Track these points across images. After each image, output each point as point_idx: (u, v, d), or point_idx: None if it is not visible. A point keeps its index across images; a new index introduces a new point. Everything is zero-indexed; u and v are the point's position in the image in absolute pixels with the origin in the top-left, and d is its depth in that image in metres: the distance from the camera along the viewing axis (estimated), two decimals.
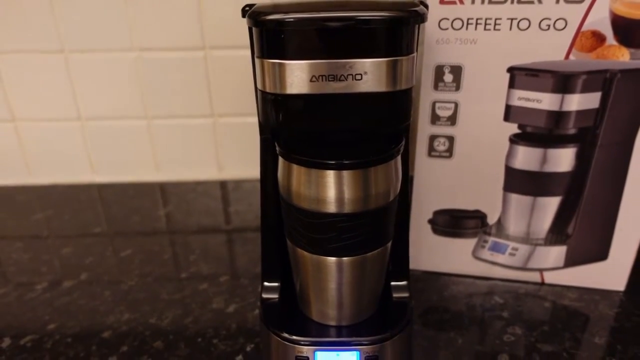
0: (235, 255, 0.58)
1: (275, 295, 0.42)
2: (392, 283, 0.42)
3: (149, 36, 0.65)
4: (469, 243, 0.51)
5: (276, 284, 0.42)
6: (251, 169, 0.73)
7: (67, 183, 0.75)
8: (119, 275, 0.54)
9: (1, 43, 0.66)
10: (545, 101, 0.43)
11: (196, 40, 0.66)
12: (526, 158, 0.46)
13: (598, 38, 0.41)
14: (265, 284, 0.42)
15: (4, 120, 0.70)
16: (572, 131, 0.44)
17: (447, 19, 0.42)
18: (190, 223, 0.64)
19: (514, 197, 0.48)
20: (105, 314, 0.48)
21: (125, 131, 0.72)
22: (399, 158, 0.35)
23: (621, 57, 0.41)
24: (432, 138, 0.47)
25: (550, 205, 0.47)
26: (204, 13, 0.64)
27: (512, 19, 0.41)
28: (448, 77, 0.44)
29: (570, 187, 0.46)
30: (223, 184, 0.74)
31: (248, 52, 0.34)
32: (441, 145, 0.47)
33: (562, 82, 0.42)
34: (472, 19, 0.42)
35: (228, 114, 0.70)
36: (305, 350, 0.37)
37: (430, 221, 0.51)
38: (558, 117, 0.43)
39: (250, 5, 0.32)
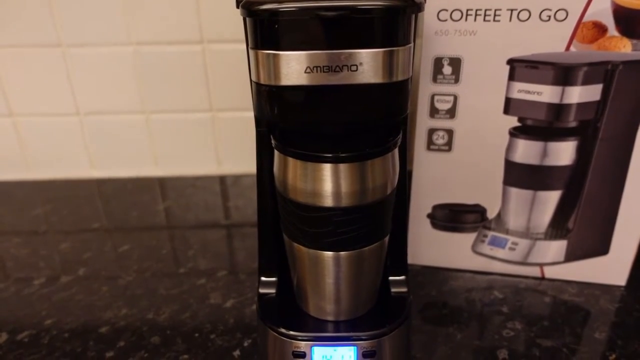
0: (233, 250, 0.58)
1: (273, 290, 0.41)
2: (391, 278, 0.42)
3: (146, 30, 0.65)
4: (469, 237, 0.50)
5: (273, 279, 0.42)
6: (250, 164, 0.73)
7: (65, 178, 0.75)
8: (117, 270, 0.54)
9: None
10: (546, 94, 0.42)
11: (194, 34, 0.65)
12: (526, 151, 0.45)
13: (599, 29, 0.40)
14: (263, 279, 0.42)
15: (2, 115, 0.70)
16: (572, 124, 0.44)
17: (446, 10, 0.41)
18: (189, 218, 0.64)
19: (514, 191, 0.47)
20: (102, 310, 0.48)
21: (124, 126, 0.71)
22: (396, 151, 0.35)
23: (623, 48, 0.40)
24: (431, 131, 0.47)
25: (551, 199, 0.47)
26: (201, 6, 0.63)
27: (512, 10, 0.40)
28: (447, 70, 0.44)
29: (571, 181, 0.46)
30: (222, 179, 0.74)
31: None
32: (440, 139, 0.47)
33: (563, 74, 0.42)
34: (471, 9, 0.41)
35: (227, 108, 0.70)
36: (302, 345, 0.37)
37: (430, 215, 0.50)
38: (558, 109, 0.43)
39: None
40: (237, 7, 0.30)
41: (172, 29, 0.65)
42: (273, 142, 0.34)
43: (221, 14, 0.64)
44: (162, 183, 0.73)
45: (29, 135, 0.72)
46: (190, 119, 0.71)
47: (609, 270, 0.48)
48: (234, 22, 0.64)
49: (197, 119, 0.71)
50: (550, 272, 0.50)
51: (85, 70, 0.67)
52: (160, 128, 0.72)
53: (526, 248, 0.49)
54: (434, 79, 0.44)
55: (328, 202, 0.33)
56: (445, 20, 0.42)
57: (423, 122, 0.46)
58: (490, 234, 0.50)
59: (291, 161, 0.33)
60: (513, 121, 0.44)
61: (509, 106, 0.44)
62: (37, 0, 0.63)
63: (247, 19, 0.30)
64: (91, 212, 0.66)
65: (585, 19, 0.40)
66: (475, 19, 0.41)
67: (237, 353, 0.42)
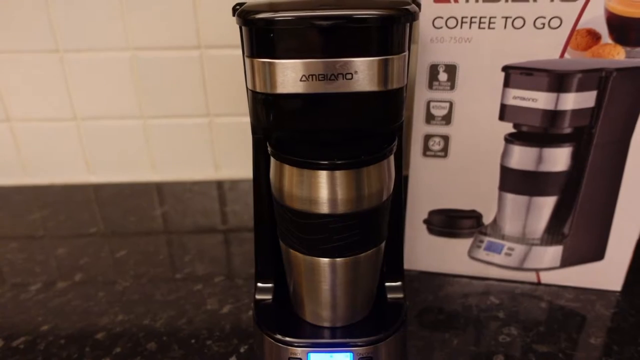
0: (230, 256, 0.58)
1: (269, 296, 0.41)
2: (387, 284, 0.42)
3: (144, 35, 0.65)
4: (465, 243, 0.51)
5: (270, 285, 0.42)
6: (248, 169, 0.72)
7: (62, 183, 0.75)
8: (114, 276, 0.54)
9: None
10: (541, 100, 0.43)
11: (192, 40, 0.65)
12: (522, 157, 0.45)
13: (593, 36, 0.40)
14: (259, 285, 0.42)
15: None
16: (567, 130, 0.44)
17: (441, 18, 0.42)
18: (186, 223, 0.64)
19: (510, 197, 0.47)
20: (99, 315, 0.48)
21: (121, 131, 0.72)
22: (391, 158, 0.35)
23: (616, 55, 0.41)
24: (427, 137, 0.47)
25: (546, 205, 0.47)
26: (199, 12, 0.64)
27: (506, 18, 0.41)
28: (442, 76, 0.44)
29: (566, 187, 0.46)
30: (219, 184, 0.74)
31: None
32: (436, 145, 0.47)
33: (558, 81, 0.42)
34: (466, 17, 0.41)
35: (224, 113, 0.70)
36: (299, 351, 0.37)
37: (426, 221, 0.50)
38: (553, 116, 0.43)
39: (241, 4, 0.31)
40: (234, 15, 0.31)
41: (169, 35, 0.65)
42: (269, 149, 0.34)
43: (219, 20, 0.64)
44: (160, 188, 0.73)
45: (26, 140, 0.72)
46: (187, 124, 0.71)
47: (604, 275, 0.49)
48: (231, 27, 0.64)
49: (195, 124, 0.71)
50: (546, 278, 0.50)
51: (83, 76, 0.68)
52: (157, 133, 0.72)
53: (522, 253, 0.49)
54: (430, 86, 0.45)
55: (324, 209, 0.33)
56: (441, 27, 0.42)
57: (419, 128, 0.47)
58: (486, 239, 0.50)
59: (287, 168, 0.33)
60: (508, 127, 0.45)
61: (504, 112, 0.44)
62: (34, 5, 0.63)
63: (243, 27, 0.30)
64: (88, 217, 0.66)
65: (579, 27, 0.40)
66: (470, 27, 0.42)
67: (233, 359, 0.42)
